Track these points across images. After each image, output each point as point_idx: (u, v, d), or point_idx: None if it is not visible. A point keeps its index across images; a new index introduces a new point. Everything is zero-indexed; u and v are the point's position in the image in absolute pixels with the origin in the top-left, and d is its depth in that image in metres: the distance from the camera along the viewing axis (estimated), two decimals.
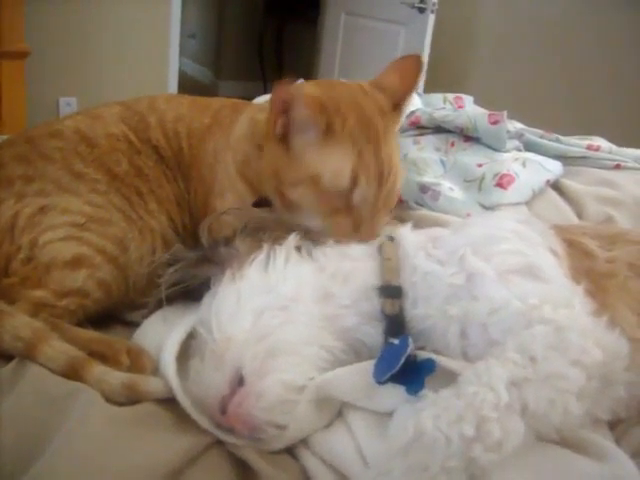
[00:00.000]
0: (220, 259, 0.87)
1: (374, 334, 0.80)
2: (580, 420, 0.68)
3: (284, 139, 0.98)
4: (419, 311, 0.79)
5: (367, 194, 0.96)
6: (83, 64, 3.41)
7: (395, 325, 0.79)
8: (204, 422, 0.75)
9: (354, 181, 0.95)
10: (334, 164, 0.95)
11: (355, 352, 0.80)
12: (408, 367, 0.73)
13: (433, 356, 0.75)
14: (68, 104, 3.37)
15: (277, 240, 0.87)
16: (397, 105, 1.03)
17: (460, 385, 0.67)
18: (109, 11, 3.42)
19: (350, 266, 0.84)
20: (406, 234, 0.88)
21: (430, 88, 1.86)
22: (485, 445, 0.63)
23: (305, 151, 0.97)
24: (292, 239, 0.87)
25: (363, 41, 3.82)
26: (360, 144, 0.96)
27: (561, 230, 0.89)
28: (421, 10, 3.43)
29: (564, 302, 0.73)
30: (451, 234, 0.87)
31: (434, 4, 3.39)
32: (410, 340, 0.75)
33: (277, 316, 0.78)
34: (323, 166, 0.96)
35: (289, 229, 0.90)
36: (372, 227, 0.97)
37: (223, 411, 0.73)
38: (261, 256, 0.84)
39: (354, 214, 0.97)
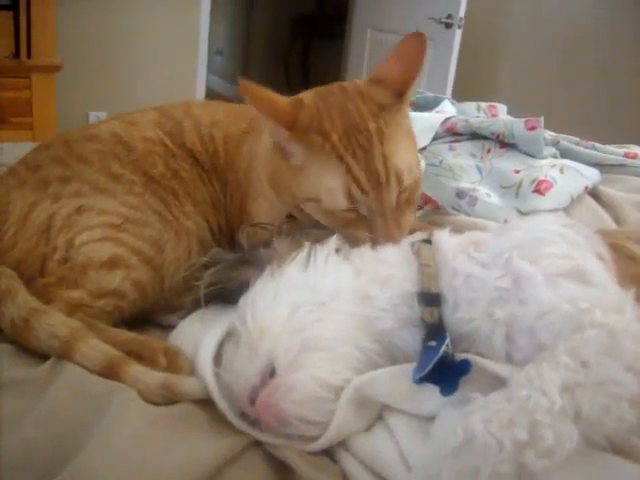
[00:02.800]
0: (260, 260, 0.87)
1: (409, 340, 0.78)
2: (632, 428, 0.66)
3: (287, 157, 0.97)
4: (461, 315, 0.77)
5: (370, 205, 0.93)
6: (113, 79, 3.47)
7: (434, 333, 0.77)
8: (240, 424, 0.74)
9: (350, 198, 0.92)
10: (326, 186, 0.93)
11: (390, 357, 0.79)
12: (444, 367, 0.71)
13: (470, 357, 0.73)
14: (97, 118, 3.41)
15: (317, 240, 0.86)
16: (401, 94, 0.97)
17: (511, 388, 0.65)
18: (138, 28, 3.49)
19: (387, 272, 0.82)
20: (444, 237, 0.86)
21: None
22: (537, 451, 0.61)
23: (300, 172, 0.95)
24: (333, 240, 0.86)
25: None
26: (347, 158, 0.92)
27: (606, 234, 0.87)
28: (448, 25, 3.43)
29: (615, 307, 0.70)
30: (494, 237, 0.85)
31: (461, 19, 3.39)
32: (448, 340, 0.73)
33: (314, 311, 0.77)
34: (318, 188, 0.93)
35: (324, 231, 0.90)
36: (390, 231, 0.93)
37: (252, 401, 0.73)
38: (302, 254, 0.84)
39: (367, 223, 0.94)
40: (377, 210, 0.93)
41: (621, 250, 0.83)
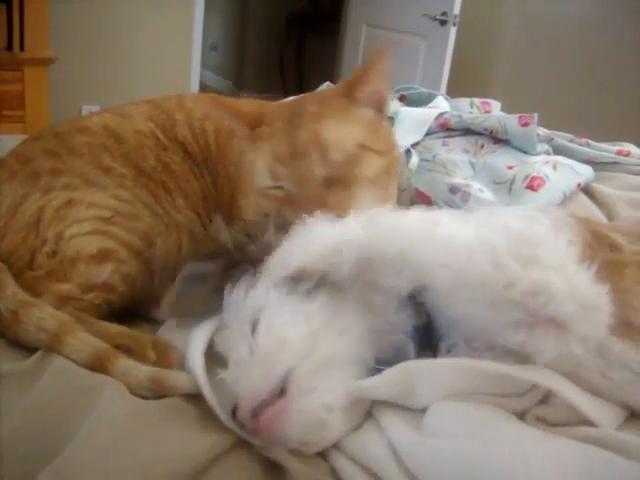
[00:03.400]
0: (250, 258, 0.83)
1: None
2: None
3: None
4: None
5: (290, 178, 0.92)
6: (106, 73, 3.45)
7: (425, 335, 0.76)
8: (230, 422, 0.72)
9: (272, 174, 0.94)
10: (257, 167, 0.96)
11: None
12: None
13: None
14: (90, 112, 3.39)
15: None
16: (350, 92, 0.97)
17: None
18: (133, 22, 3.47)
19: None
20: None
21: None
22: None
23: (251, 165, 0.99)
24: None
25: None
26: (277, 137, 0.94)
27: (587, 222, 0.86)
28: (442, 22, 3.43)
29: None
30: None
31: (455, 16, 3.39)
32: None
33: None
34: (254, 173, 0.97)
35: None
36: (311, 207, 0.84)
37: (255, 414, 0.69)
38: None
39: (295, 203, 0.92)
40: (297, 183, 0.91)
41: (602, 238, 0.81)
